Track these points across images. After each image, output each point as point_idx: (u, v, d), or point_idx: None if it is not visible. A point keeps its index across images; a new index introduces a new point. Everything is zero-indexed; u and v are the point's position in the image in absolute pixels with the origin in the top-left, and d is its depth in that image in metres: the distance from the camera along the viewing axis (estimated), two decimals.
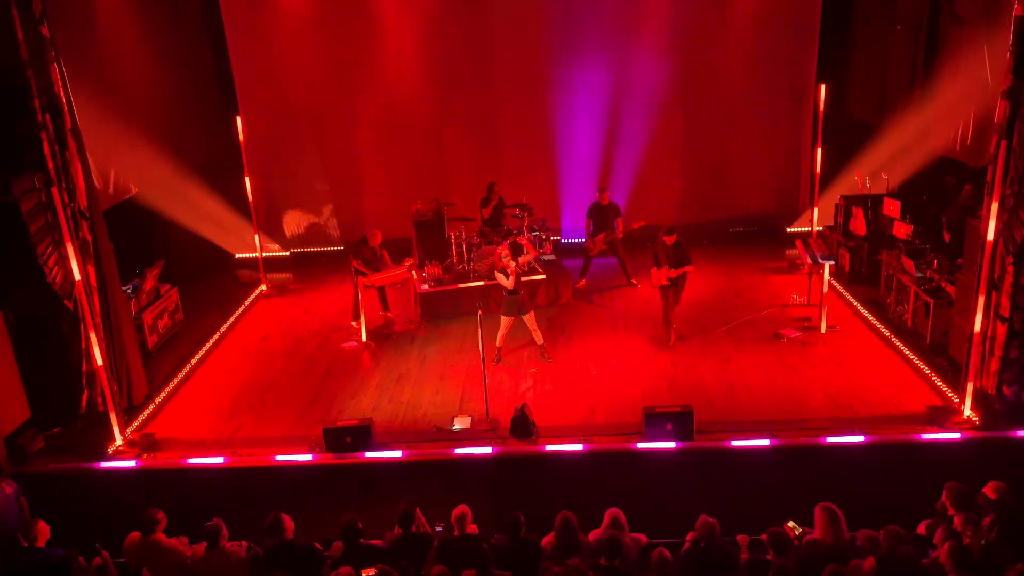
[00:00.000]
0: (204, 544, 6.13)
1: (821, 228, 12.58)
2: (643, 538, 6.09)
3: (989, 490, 5.97)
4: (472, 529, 6.07)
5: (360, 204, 13.68)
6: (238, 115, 12.02)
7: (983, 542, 5.40)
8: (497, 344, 9.59)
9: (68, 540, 6.24)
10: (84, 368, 8.44)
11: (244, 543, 6.25)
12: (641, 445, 7.71)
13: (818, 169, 11.87)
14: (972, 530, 5.53)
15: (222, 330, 10.98)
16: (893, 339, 9.61)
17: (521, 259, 9.48)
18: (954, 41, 10.68)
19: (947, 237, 10.23)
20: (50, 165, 7.73)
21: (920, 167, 11.89)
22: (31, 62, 7.54)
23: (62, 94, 7.86)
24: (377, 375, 9.59)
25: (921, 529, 6.02)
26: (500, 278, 9.26)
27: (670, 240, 9.72)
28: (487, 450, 7.77)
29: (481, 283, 10.91)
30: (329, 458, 7.84)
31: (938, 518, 5.99)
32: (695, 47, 12.91)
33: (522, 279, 9.39)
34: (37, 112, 7.63)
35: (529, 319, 9.44)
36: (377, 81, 13.13)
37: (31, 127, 7.63)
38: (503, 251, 9.28)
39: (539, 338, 9.57)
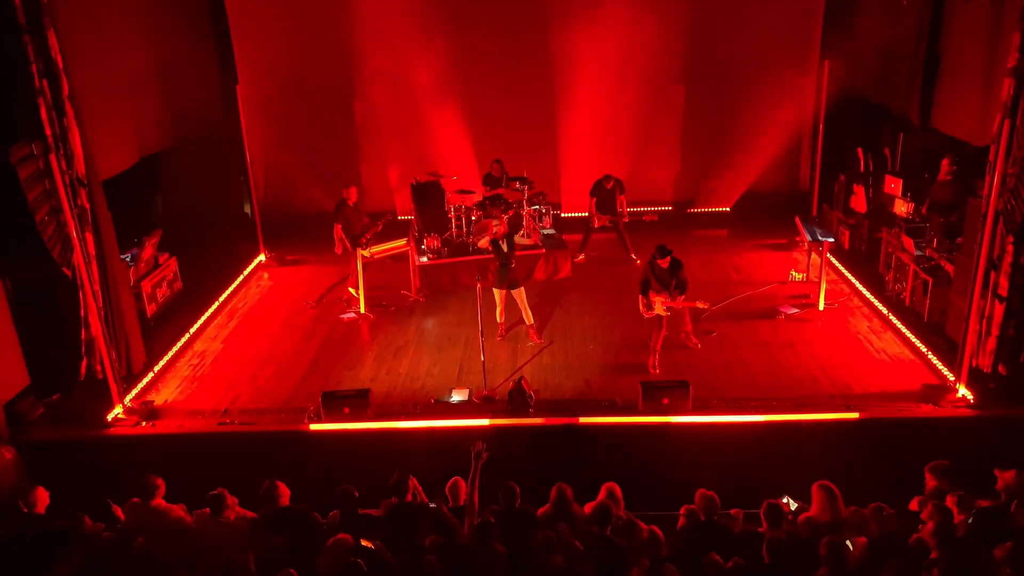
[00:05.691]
0: (206, 511, 6.17)
1: (821, 205, 12.54)
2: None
3: (1006, 476, 5.97)
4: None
5: (359, 175, 13.60)
6: (238, 84, 11.93)
7: (969, 520, 5.44)
8: (499, 320, 9.59)
9: (67, 506, 6.28)
10: (83, 336, 8.47)
11: (250, 514, 6.30)
12: (637, 419, 7.75)
13: (819, 146, 11.81)
14: (960, 508, 5.58)
15: (220, 299, 10.98)
16: (891, 317, 9.62)
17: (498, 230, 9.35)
18: (960, 17, 10.57)
19: (924, 210, 10.38)
20: (48, 132, 7.67)
21: (923, 145, 11.82)
22: (28, 26, 7.45)
23: (59, 59, 7.78)
24: (375, 347, 9.61)
25: (913, 505, 6.07)
26: (484, 239, 9.20)
27: (665, 263, 8.42)
28: (484, 422, 7.81)
29: (480, 256, 10.90)
30: (326, 427, 7.88)
31: (928, 495, 6.04)
32: (698, 21, 12.78)
33: (518, 253, 9.35)
34: (34, 77, 7.56)
35: (519, 295, 9.37)
36: (378, 52, 13.00)
37: (28, 93, 7.56)
38: (498, 222, 9.22)
39: (528, 317, 9.50)
